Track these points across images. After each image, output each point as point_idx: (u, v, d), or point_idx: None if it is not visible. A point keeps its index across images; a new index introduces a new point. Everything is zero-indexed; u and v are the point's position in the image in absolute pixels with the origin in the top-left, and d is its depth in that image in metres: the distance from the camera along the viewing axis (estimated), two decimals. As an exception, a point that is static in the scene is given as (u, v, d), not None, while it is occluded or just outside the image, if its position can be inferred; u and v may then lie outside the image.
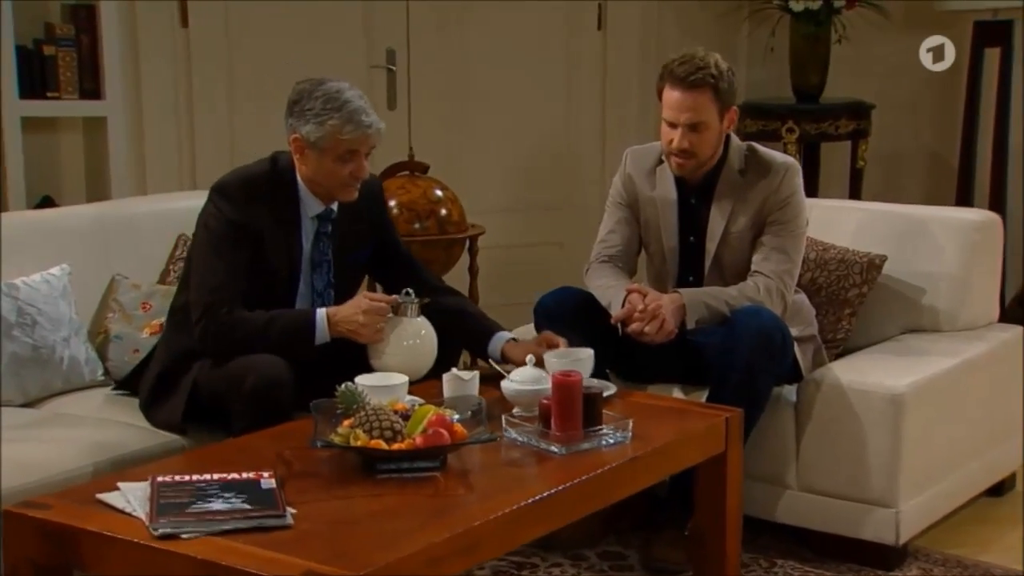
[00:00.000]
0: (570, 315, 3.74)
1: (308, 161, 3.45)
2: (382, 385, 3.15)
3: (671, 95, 3.71)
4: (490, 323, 3.64)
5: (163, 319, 3.86)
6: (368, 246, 3.68)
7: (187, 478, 2.75)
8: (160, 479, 2.73)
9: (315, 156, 3.43)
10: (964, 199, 5.91)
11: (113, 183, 4.97)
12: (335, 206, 3.55)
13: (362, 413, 2.90)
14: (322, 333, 3.39)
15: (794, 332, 3.70)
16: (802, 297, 3.90)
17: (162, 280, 4.09)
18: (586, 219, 6.18)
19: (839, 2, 5.77)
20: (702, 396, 3.69)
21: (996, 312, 4.15)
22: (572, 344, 3.52)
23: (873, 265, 3.99)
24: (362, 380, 3.15)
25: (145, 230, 4.14)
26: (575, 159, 6.15)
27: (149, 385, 3.55)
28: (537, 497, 2.73)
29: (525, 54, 5.93)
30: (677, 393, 3.77)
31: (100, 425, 3.48)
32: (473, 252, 5.01)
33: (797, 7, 5.77)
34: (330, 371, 3.35)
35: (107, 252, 4.02)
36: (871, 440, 3.56)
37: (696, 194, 3.82)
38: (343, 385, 3.01)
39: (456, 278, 4.79)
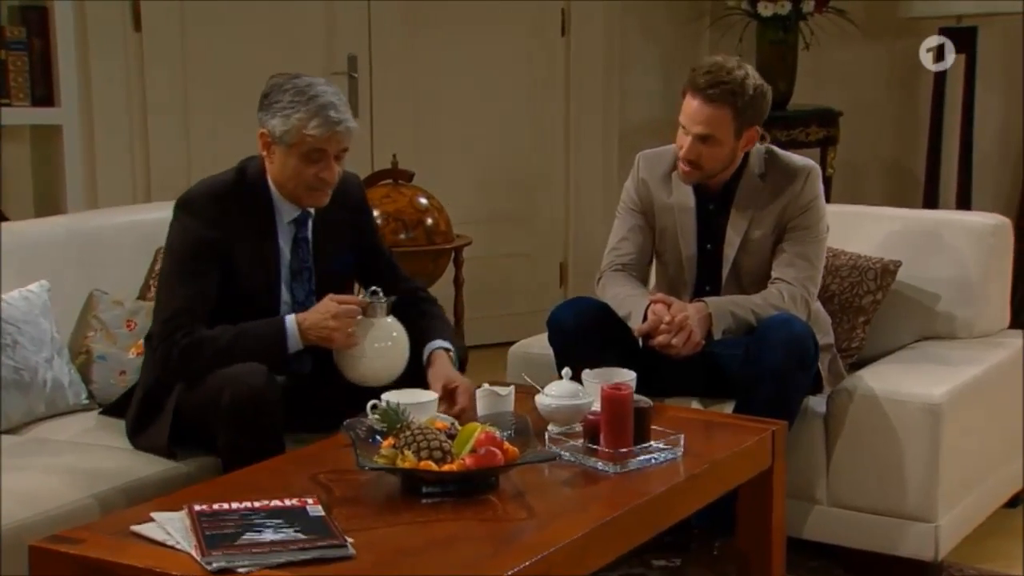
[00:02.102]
0: (586, 327, 3.56)
1: (274, 158, 3.21)
2: (412, 402, 2.94)
3: (689, 102, 3.54)
4: (438, 332, 3.36)
5: (148, 338, 3.62)
6: (352, 251, 3.44)
7: (226, 506, 2.52)
8: (197, 508, 2.50)
9: (281, 153, 3.19)
10: (931, 205, 5.87)
11: (68, 196, 4.69)
12: (313, 209, 3.32)
13: (407, 433, 2.69)
14: (294, 341, 3.15)
15: None
16: (818, 305, 3.76)
17: (142, 296, 3.83)
18: (552, 229, 6.05)
19: (807, 7, 5.69)
20: (723, 409, 3.53)
21: (1007, 318, 4.05)
22: (588, 357, 3.35)
23: (887, 271, 3.86)
24: (389, 397, 2.95)
25: (122, 243, 3.88)
26: (539, 167, 6.01)
27: (133, 410, 3.30)
28: (607, 519, 2.55)
29: (489, 60, 5.78)
30: (696, 406, 3.61)
31: (94, 452, 3.22)
32: (458, 263, 4.81)
33: (766, 12, 5.68)
34: (320, 387, 3.24)
35: (83, 266, 3.74)
36: (907, 452, 3.42)
37: (715, 200, 3.67)
38: (382, 403, 2.79)
39: (438, 290, 4.58)
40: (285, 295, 3.30)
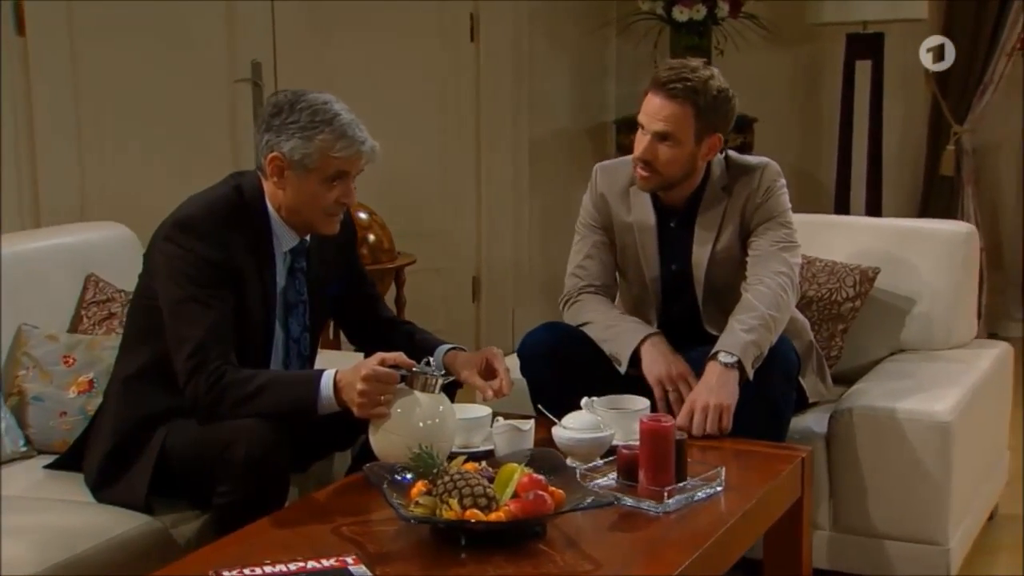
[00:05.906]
0: (559, 353, 3.32)
1: (288, 184, 2.89)
2: (468, 417, 2.91)
3: (650, 100, 3.30)
4: (438, 341, 3.15)
5: (91, 375, 3.26)
6: (337, 280, 3.15)
7: (258, 571, 2.23)
8: (226, 574, 2.19)
9: (298, 178, 2.88)
10: (842, 212, 5.80)
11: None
12: (308, 238, 3.03)
13: (445, 478, 2.42)
14: (328, 402, 2.75)
15: None
16: (795, 311, 3.56)
17: (74, 328, 3.46)
18: (463, 242, 5.80)
19: (722, 11, 5.56)
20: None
21: (976, 328, 3.96)
22: (561, 384, 3.17)
23: (866, 277, 3.73)
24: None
25: (47, 270, 3.49)
26: (449, 177, 5.78)
27: (98, 462, 2.94)
28: (684, 564, 2.33)
29: (397, 66, 5.51)
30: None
31: (54, 508, 2.85)
32: (400, 282, 4.51)
33: (681, 17, 5.53)
34: (316, 429, 2.90)
35: (7, 298, 3.34)
36: (915, 472, 3.27)
37: (677, 217, 3.45)
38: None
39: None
40: (279, 329, 2.99)
